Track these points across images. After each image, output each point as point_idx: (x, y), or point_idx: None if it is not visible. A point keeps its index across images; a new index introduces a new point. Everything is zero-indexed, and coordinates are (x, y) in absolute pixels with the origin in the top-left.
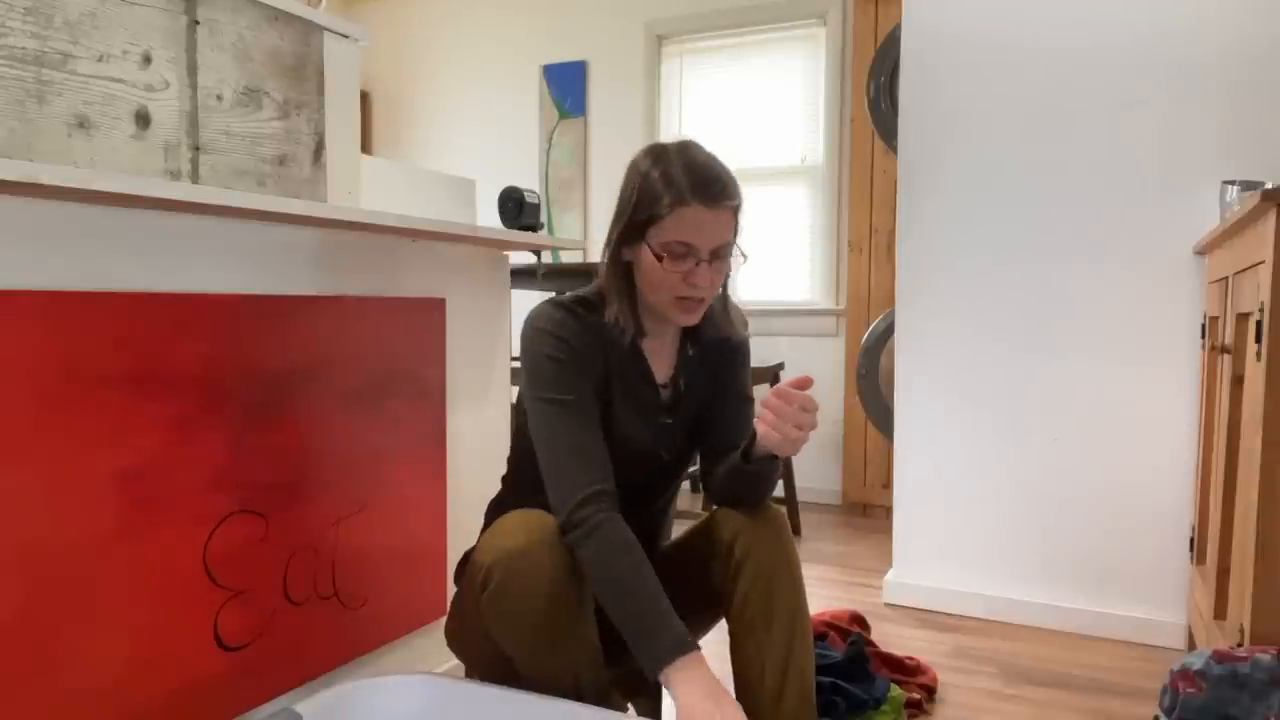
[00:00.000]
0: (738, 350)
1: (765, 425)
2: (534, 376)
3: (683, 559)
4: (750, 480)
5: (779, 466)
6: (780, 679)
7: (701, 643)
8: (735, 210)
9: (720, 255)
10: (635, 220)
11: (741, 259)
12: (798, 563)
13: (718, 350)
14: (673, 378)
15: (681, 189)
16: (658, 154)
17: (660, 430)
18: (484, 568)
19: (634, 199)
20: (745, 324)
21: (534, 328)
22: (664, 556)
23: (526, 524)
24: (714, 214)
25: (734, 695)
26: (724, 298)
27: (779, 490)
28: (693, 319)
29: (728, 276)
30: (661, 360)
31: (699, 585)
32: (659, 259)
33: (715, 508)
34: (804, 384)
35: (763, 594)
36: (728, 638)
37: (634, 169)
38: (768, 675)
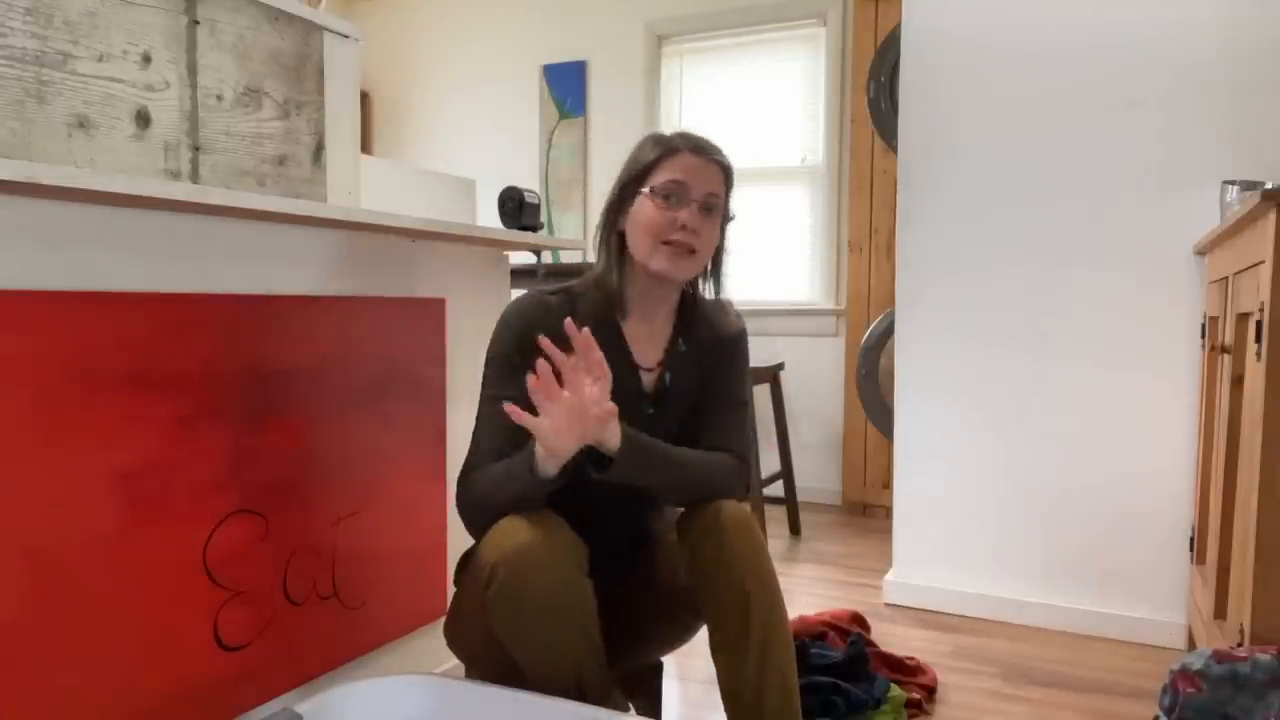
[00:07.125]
0: (734, 348)
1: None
2: (485, 367)
3: (659, 568)
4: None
5: (632, 461)
6: (757, 686)
7: (696, 641)
8: (724, 170)
9: (711, 209)
10: (629, 183)
11: (731, 219)
12: (768, 563)
13: (712, 348)
14: (660, 364)
15: (672, 142)
16: (654, 133)
17: (641, 419)
18: (488, 565)
19: (629, 166)
20: (739, 317)
21: (500, 319)
22: (644, 568)
23: (529, 522)
24: (703, 162)
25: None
26: (717, 295)
27: (779, 490)
28: (680, 271)
29: (720, 263)
30: (647, 348)
31: (676, 594)
32: (652, 199)
33: (679, 512)
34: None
35: (733, 602)
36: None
37: (633, 150)
38: (745, 686)
